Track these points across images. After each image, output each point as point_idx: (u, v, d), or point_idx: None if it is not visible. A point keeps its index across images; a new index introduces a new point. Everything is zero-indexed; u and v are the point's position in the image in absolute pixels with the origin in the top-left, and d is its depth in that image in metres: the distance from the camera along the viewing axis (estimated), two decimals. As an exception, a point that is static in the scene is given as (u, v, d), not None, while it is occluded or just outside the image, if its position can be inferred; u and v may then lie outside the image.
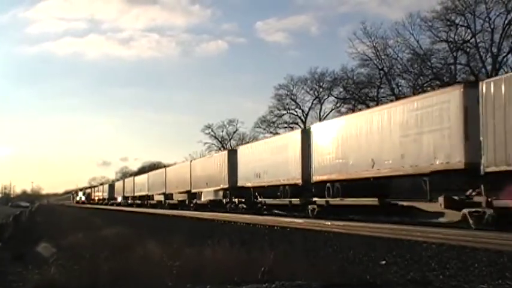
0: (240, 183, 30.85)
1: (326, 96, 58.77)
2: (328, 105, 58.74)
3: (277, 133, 55.54)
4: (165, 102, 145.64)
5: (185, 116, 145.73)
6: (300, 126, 55.46)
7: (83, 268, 9.53)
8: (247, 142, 58.04)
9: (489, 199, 14.24)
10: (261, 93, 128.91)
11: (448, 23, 43.61)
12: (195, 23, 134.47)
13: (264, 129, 63.20)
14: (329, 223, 17.24)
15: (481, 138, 14.36)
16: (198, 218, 24.70)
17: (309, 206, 23.76)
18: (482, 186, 14.51)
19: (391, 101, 40.03)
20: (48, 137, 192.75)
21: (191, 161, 44.26)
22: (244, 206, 30.28)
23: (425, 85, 45.10)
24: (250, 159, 30.07)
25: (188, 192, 40.16)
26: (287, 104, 61.52)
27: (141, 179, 60.58)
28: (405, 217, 17.95)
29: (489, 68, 41.36)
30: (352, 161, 20.52)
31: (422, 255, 10.29)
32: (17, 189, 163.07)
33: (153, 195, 52.31)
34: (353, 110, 48.23)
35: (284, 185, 25.82)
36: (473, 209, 14.52)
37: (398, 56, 48.48)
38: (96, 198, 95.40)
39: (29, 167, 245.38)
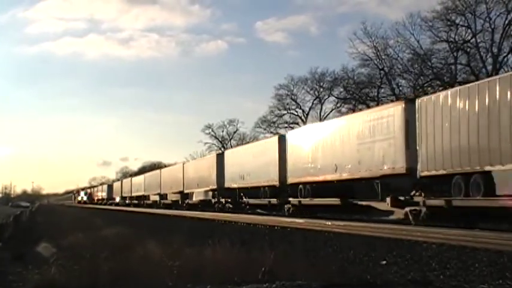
0: (226, 184, 33.61)
1: (326, 96, 58.81)
2: (328, 105, 58.81)
3: (277, 133, 55.51)
4: (165, 102, 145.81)
5: (185, 116, 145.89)
6: (300, 126, 55.46)
7: (83, 268, 9.53)
8: (248, 142, 58.08)
9: (424, 199, 16.79)
10: (261, 93, 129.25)
11: (449, 23, 43.59)
12: (195, 23, 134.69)
13: (265, 129, 63.24)
14: (329, 223, 17.24)
15: (417, 147, 17.14)
16: (199, 218, 24.73)
17: (285, 206, 26.34)
18: (419, 188, 17.30)
19: (392, 101, 40.04)
20: (49, 137, 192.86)
21: (184, 163, 46.63)
22: (231, 206, 32.67)
23: (425, 85, 45.09)
24: (235, 162, 32.82)
25: (181, 192, 42.54)
26: (287, 104, 61.57)
27: (138, 179, 63.24)
28: (364, 215, 20.49)
29: (489, 68, 41.35)
30: (320, 166, 23.27)
31: (423, 255, 10.28)
32: (18, 189, 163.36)
33: (149, 196, 54.88)
34: (353, 110, 48.22)
35: (264, 186, 28.70)
36: (413, 208, 16.96)
37: (398, 56, 48.50)
38: (96, 198, 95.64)
39: (30, 167, 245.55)
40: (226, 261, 9.61)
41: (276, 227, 17.84)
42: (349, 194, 21.80)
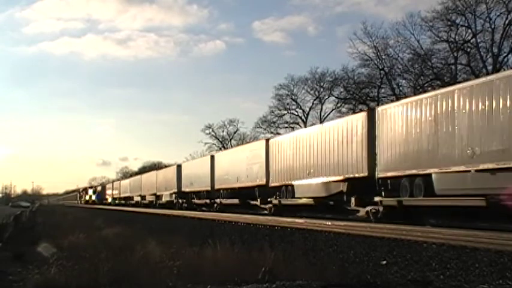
0: (183, 188, 42.82)
1: (327, 96, 58.69)
2: (328, 105, 58.69)
3: (278, 133, 55.51)
4: (164, 102, 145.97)
5: (185, 116, 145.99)
6: (301, 126, 55.45)
7: (83, 268, 9.53)
8: (248, 142, 58.06)
9: (381, 199, 18.54)
10: (260, 93, 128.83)
11: (449, 23, 43.56)
12: (193, 23, 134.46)
13: (265, 129, 63.18)
14: (329, 223, 17.24)
15: (376, 152, 18.99)
16: (199, 217, 24.72)
17: (215, 205, 34.90)
18: (377, 189, 19.02)
19: (392, 101, 40.04)
20: (48, 137, 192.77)
21: (157, 170, 56.77)
22: (186, 205, 41.16)
23: (425, 85, 45.05)
24: (187, 172, 42.46)
25: (155, 194, 52.03)
26: (288, 104, 61.48)
27: (125, 183, 72.08)
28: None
29: (490, 68, 41.33)
30: (231, 177, 28.70)
31: (423, 255, 10.27)
32: (18, 189, 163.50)
33: (133, 197, 63.14)
34: (353, 110, 48.22)
35: (203, 191, 37.89)
36: (372, 207, 18.98)
37: (398, 56, 48.40)
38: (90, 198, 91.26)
39: (29, 167, 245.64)
40: (226, 261, 9.61)
41: (276, 227, 17.84)
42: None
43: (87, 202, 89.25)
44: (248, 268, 9.05)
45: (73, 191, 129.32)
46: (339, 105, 56.65)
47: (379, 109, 19.35)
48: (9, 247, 16.67)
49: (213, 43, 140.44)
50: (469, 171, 14.83)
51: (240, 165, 31.05)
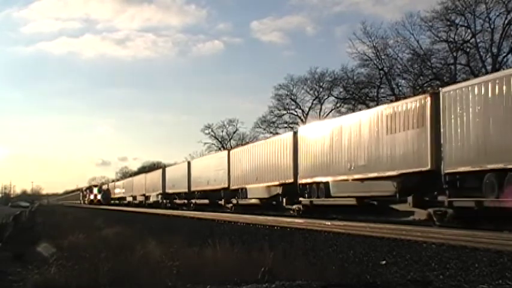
0: (167, 190, 48.11)
1: (326, 96, 58.67)
2: (328, 105, 58.67)
3: (277, 133, 55.51)
4: (163, 102, 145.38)
5: (184, 116, 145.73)
6: (300, 126, 55.45)
7: (83, 268, 9.53)
8: (248, 142, 58.07)
9: (301, 199, 24.22)
10: (259, 93, 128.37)
11: (448, 23, 43.56)
12: (191, 23, 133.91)
13: (264, 129, 63.15)
14: (329, 223, 17.25)
15: (298, 163, 24.28)
16: (199, 217, 24.75)
17: (191, 204, 40.20)
18: (299, 192, 24.51)
19: (391, 101, 40.08)
20: (48, 137, 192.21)
21: (146, 173, 61.12)
22: (169, 205, 45.87)
23: (425, 85, 45.07)
24: (170, 175, 47.76)
25: (144, 195, 57.71)
26: (287, 104, 61.45)
27: (119, 184, 77.60)
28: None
29: (489, 68, 41.32)
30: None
31: (422, 255, 10.28)
32: (17, 189, 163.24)
33: (125, 197, 68.21)
34: (353, 110, 48.18)
35: (183, 192, 43.21)
36: (297, 205, 24.60)
37: (398, 56, 48.40)
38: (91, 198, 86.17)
39: (29, 167, 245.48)
40: (226, 261, 9.62)
41: (275, 227, 17.83)
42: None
43: (91, 202, 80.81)
44: (248, 268, 9.07)
45: (75, 191, 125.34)
46: (338, 105, 56.73)
47: (299, 133, 25.42)
48: (9, 247, 16.67)
49: (212, 43, 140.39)
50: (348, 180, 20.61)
51: (210, 171, 36.61)
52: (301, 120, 60.21)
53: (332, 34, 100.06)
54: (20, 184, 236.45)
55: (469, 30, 43.15)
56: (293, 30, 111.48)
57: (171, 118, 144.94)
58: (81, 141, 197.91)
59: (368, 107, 44.09)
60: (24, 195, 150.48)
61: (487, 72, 38.96)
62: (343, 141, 21.00)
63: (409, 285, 7.73)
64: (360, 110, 41.24)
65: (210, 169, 36.68)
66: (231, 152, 34.88)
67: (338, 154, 21.27)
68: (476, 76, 38.55)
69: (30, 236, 20.37)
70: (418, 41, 46.07)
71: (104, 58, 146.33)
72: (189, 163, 43.73)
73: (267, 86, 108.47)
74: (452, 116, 15.72)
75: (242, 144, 53.18)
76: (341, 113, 51.61)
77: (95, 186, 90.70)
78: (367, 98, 51.62)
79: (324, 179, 22.25)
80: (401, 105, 18.48)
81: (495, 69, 38.95)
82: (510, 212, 13.52)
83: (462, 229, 13.84)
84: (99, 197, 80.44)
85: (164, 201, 48.45)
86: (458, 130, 15.54)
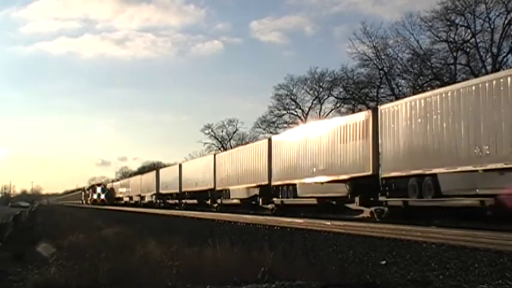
0: (161, 191, 50.80)
1: (326, 96, 58.66)
2: (328, 105, 58.66)
3: (277, 133, 55.52)
4: (162, 102, 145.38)
5: (184, 116, 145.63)
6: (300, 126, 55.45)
7: (83, 268, 9.53)
8: (248, 142, 58.10)
9: (275, 199, 26.91)
10: (259, 94, 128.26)
11: (448, 23, 43.56)
12: (190, 23, 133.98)
13: (264, 130, 63.14)
14: (329, 223, 17.26)
15: (272, 168, 27.38)
16: (199, 217, 24.75)
17: (181, 204, 42.32)
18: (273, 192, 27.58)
19: (391, 100, 40.03)
20: (47, 137, 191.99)
21: (142, 175, 63.87)
22: (162, 205, 48.03)
23: (425, 85, 45.05)
24: (164, 177, 50.26)
25: (139, 195, 60.26)
26: (287, 104, 61.44)
27: (116, 184, 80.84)
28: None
29: (489, 68, 41.33)
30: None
31: (422, 255, 10.27)
32: (17, 189, 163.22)
33: (123, 197, 70.75)
34: (353, 110, 48.18)
35: (175, 193, 45.58)
36: (272, 205, 27.24)
37: (398, 56, 48.40)
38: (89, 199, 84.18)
39: (29, 167, 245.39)
40: (226, 261, 9.62)
41: (275, 227, 17.84)
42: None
43: (95, 202, 76.01)
44: (248, 268, 9.07)
45: (75, 190, 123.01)
46: (338, 105, 56.72)
47: (273, 140, 28.52)
48: (9, 247, 16.67)
49: (211, 43, 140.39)
50: (319, 182, 22.69)
51: (198, 173, 39.48)
52: (301, 120, 60.20)
53: (331, 34, 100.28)
54: (20, 184, 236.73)
55: (469, 30, 43.20)
56: (292, 30, 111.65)
57: (171, 118, 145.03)
58: (81, 141, 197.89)
59: (368, 107, 44.10)
60: (24, 195, 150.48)
61: (487, 72, 38.98)
62: (307, 148, 23.89)
63: (409, 285, 7.74)
64: (360, 110, 41.24)
65: (199, 171, 39.53)
66: (216, 156, 38.14)
67: (304, 159, 24.08)
68: (476, 76, 38.56)
69: (30, 236, 20.38)
70: (418, 41, 46.15)
71: (104, 58, 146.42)
72: (180, 165, 46.68)
73: (267, 86, 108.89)
74: (387, 130, 18.97)
75: (242, 144, 53.32)
76: (341, 113, 51.69)
77: (98, 185, 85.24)
78: (367, 98, 51.63)
79: (292, 182, 25.18)
80: (352, 118, 21.95)
81: (495, 69, 38.95)
82: (430, 210, 16.93)
83: (462, 229, 13.85)
84: (102, 196, 76.98)
85: (158, 201, 50.99)
86: (392, 141, 18.73)
